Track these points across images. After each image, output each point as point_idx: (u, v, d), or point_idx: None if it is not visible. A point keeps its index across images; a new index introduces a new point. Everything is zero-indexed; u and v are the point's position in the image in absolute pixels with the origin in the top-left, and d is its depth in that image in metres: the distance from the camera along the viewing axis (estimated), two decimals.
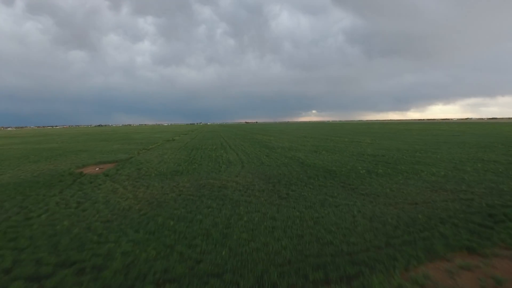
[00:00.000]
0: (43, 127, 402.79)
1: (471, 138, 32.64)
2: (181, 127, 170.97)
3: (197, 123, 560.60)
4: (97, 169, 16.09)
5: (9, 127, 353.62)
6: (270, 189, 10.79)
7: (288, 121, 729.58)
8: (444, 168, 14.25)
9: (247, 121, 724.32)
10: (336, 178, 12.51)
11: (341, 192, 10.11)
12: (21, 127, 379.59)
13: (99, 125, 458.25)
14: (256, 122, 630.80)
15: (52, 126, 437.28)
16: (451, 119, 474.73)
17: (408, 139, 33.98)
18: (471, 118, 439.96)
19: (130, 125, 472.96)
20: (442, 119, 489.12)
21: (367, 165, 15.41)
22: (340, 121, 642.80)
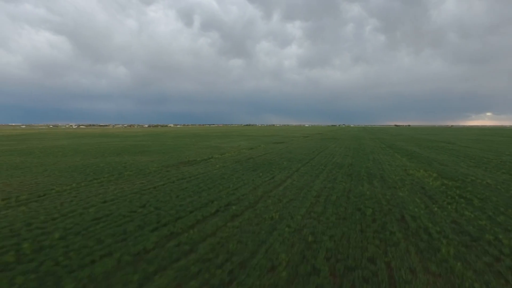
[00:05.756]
0: (203, 125, 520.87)
1: None
2: (316, 128, 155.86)
3: (339, 125, 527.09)
4: None
5: (184, 124, 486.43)
6: None
7: (451, 125, 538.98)
8: None
9: (397, 123, 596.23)
10: None
11: None
12: (192, 125, 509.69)
13: (247, 125, 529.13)
14: (409, 125, 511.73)
15: (209, 124, 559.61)
16: None
17: None
18: None
19: (273, 125, 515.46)
20: None
21: None
22: None
